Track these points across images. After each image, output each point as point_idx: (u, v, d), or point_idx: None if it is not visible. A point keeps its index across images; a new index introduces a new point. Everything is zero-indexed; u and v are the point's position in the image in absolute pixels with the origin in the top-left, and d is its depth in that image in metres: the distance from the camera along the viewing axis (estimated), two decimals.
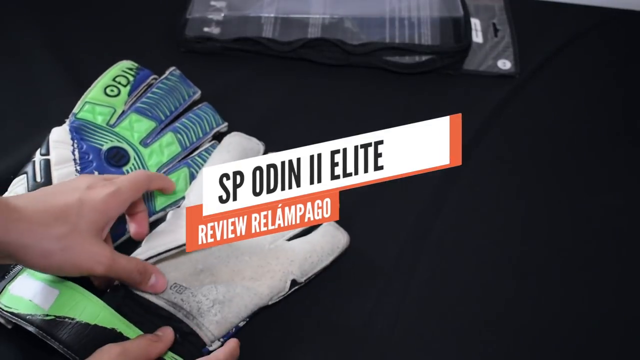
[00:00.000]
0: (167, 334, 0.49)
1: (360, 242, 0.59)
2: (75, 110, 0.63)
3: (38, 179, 0.57)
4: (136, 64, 0.68)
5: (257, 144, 0.63)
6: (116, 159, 0.60)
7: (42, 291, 0.50)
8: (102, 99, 0.63)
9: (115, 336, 0.47)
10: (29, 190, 0.56)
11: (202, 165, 0.63)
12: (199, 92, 0.69)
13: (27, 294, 0.50)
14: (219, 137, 0.67)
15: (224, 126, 0.67)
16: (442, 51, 0.75)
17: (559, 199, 0.66)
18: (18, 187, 0.57)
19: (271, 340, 0.55)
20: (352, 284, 0.59)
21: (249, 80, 0.75)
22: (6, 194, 0.57)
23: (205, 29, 0.77)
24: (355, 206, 0.62)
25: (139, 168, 0.61)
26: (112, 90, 0.64)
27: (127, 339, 0.47)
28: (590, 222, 0.64)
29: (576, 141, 0.71)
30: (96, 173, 0.58)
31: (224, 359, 0.49)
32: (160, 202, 0.60)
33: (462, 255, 0.61)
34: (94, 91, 0.64)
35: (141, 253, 0.52)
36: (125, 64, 0.67)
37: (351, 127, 0.70)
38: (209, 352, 0.50)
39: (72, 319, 0.47)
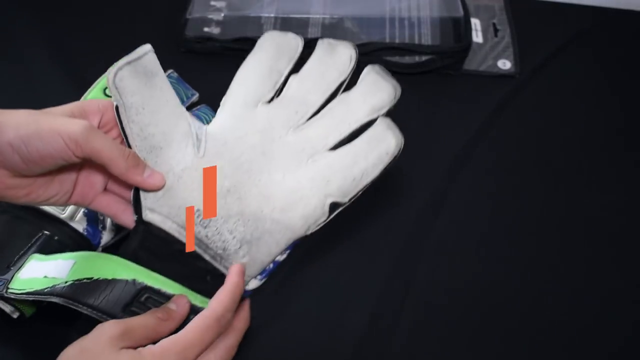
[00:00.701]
0: (180, 309, 0.44)
1: (360, 242, 0.59)
2: None
3: None
4: None
5: (293, 39, 0.53)
6: None
7: (56, 266, 0.47)
8: None
9: (138, 288, 0.43)
10: None
11: None
12: (197, 95, 0.69)
13: (40, 273, 0.47)
14: None
15: None
16: (442, 51, 0.75)
17: (559, 198, 0.66)
18: None
19: (271, 339, 0.55)
20: (352, 283, 0.59)
21: None
22: None
23: (205, 29, 0.77)
24: (354, 205, 0.62)
25: None
26: None
27: (150, 288, 0.44)
28: (590, 221, 0.64)
29: (576, 141, 0.71)
30: None
31: (222, 310, 0.43)
32: None
33: (462, 255, 0.61)
34: (94, 92, 0.64)
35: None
36: None
37: None
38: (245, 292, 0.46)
39: (90, 278, 0.44)
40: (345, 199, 0.47)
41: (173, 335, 0.42)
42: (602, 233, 0.63)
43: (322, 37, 0.74)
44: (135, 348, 0.40)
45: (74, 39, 0.77)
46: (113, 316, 0.43)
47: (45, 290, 0.45)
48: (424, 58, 0.75)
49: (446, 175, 0.67)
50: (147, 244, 0.45)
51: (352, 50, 0.51)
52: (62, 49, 0.76)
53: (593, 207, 0.65)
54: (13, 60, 0.75)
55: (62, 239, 0.55)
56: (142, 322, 0.42)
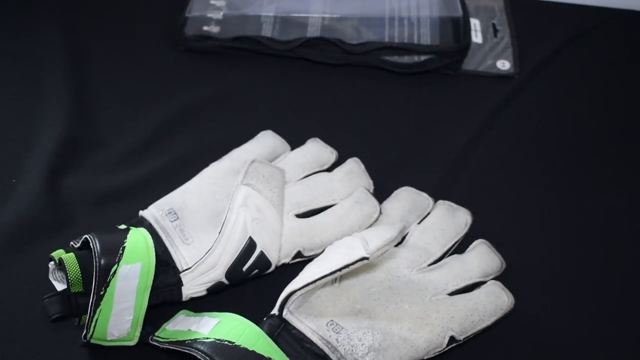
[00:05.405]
0: None
1: None
2: None
3: None
4: None
5: (427, 199, 0.62)
6: None
7: (201, 321, 0.50)
8: None
9: None
10: None
11: None
12: None
13: (185, 326, 0.50)
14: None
15: None
16: (441, 51, 0.75)
17: (559, 199, 0.66)
18: None
19: None
20: None
21: (247, 79, 0.75)
22: None
23: (205, 28, 0.77)
24: None
25: None
26: None
27: None
28: (591, 222, 0.64)
29: (576, 141, 0.71)
30: None
31: None
32: None
33: None
34: None
35: (294, 283, 0.51)
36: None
37: (350, 127, 0.71)
38: None
39: (232, 342, 0.47)
40: (461, 336, 0.52)
41: None
42: (603, 233, 0.63)
43: (320, 37, 0.74)
44: None
45: (73, 37, 0.77)
46: None
47: (187, 342, 0.48)
48: (422, 58, 0.75)
49: (445, 175, 0.67)
50: (282, 333, 0.50)
51: (468, 217, 0.61)
52: (61, 48, 0.76)
53: (595, 207, 0.65)
54: (10, 59, 0.75)
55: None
56: None
